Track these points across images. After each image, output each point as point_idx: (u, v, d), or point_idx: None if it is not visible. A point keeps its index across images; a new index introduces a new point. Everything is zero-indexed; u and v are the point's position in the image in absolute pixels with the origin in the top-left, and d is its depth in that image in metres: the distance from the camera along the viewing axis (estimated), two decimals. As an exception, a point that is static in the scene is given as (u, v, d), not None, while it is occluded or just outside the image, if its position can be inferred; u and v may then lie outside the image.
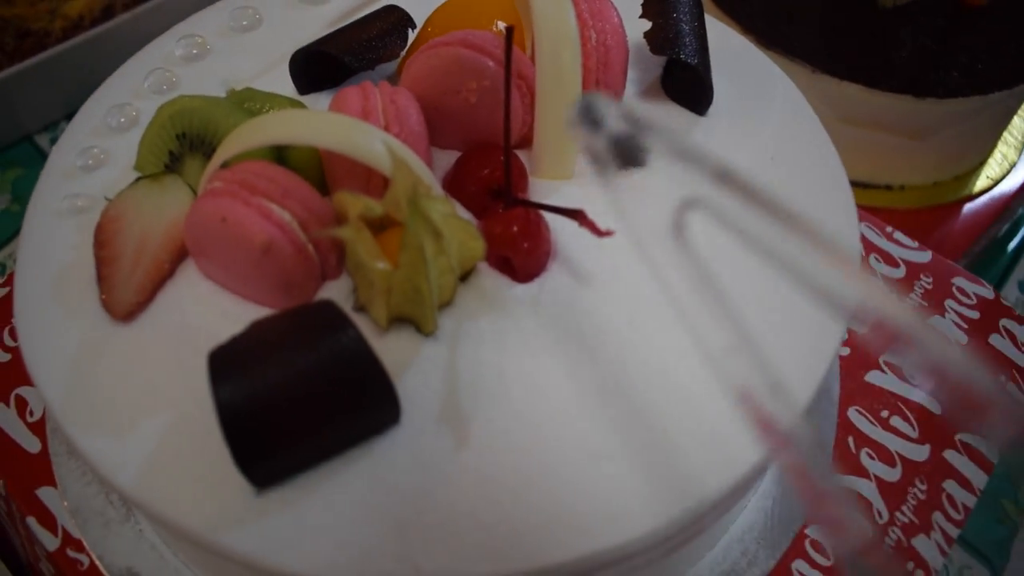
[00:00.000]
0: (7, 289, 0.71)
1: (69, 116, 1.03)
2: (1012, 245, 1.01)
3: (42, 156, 1.02)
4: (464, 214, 0.53)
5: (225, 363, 0.42)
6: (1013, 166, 1.00)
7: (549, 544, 0.42)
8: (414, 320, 0.48)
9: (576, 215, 0.49)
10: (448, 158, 0.56)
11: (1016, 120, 1.03)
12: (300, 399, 0.42)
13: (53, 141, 1.02)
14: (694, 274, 0.51)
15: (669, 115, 0.60)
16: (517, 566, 0.42)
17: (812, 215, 0.54)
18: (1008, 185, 0.99)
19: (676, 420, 0.46)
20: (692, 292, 0.50)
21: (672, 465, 0.45)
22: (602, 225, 0.49)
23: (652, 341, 0.49)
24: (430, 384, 0.47)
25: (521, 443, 0.45)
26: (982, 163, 1.00)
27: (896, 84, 0.86)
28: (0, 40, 0.98)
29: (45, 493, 0.61)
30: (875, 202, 0.93)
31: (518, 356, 0.48)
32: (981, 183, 0.98)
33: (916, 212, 0.94)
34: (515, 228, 0.50)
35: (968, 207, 0.96)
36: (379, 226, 0.48)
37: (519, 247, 0.50)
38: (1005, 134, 1.02)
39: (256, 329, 0.44)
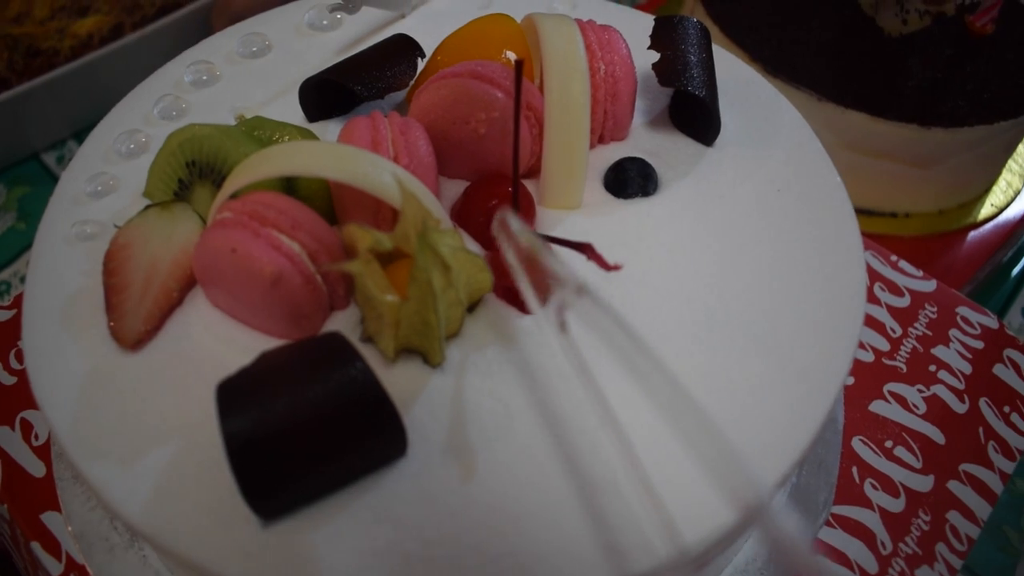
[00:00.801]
0: (13, 311, 0.71)
1: (76, 135, 1.05)
2: (1016, 271, 1.01)
3: (48, 174, 1.02)
4: (472, 244, 0.53)
5: (233, 395, 0.42)
6: (1018, 194, 1.01)
7: (556, 577, 0.42)
8: (422, 351, 0.48)
9: (584, 249, 0.49)
10: (456, 187, 0.57)
11: (1021, 148, 1.04)
12: (308, 432, 0.42)
13: (60, 159, 1.02)
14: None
15: (676, 146, 0.60)
16: (524, 600, 0.42)
17: (817, 245, 0.55)
18: (1012, 212, 0.99)
19: (676, 457, 0.46)
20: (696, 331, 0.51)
21: (677, 499, 0.45)
22: (609, 257, 0.49)
23: (652, 376, 0.49)
24: (437, 416, 0.47)
25: (527, 476, 0.45)
26: (987, 191, 1.00)
27: (902, 113, 0.86)
28: (9, 58, 0.99)
29: (49, 518, 0.61)
30: (880, 229, 0.93)
31: (524, 388, 0.48)
32: (986, 211, 0.98)
33: (921, 240, 0.95)
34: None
35: (973, 235, 0.97)
36: (388, 257, 0.48)
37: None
38: (1010, 162, 1.02)
39: (264, 361, 0.44)
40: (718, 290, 0.53)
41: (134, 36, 1.01)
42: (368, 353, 0.45)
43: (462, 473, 0.45)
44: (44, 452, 0.64)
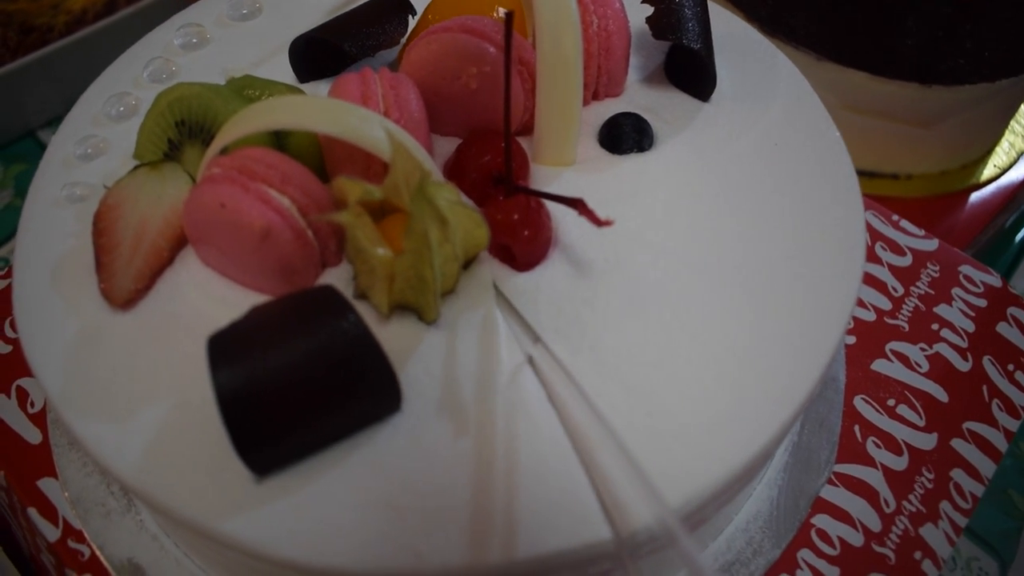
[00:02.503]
0: (8, 280, 0.71)
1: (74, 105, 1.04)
2: (1020, 236, 1.00)
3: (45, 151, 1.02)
4: (465, 201, 0.53)
5: (224, 348, 0.42)
6: (1021, 155, 1.00)
7: (550, 531, 0.42)
8: (416, 308, 0.48)
9: (576, 204, 0.48)
10: (449, 145, 0.56)
11: (1023, 108, 1.03)
12: (300, 385, 0.42)
13: (56, 136, 1.02)
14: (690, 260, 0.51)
15: (672, 101, 0.60)
16: (517, 553, 0.41)
17: (816, 202, 0.54)
18: (1016, 174, 0.98)
19: (675, 409, 0.46)
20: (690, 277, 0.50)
21: (672, 454, 0.45)
22: (603, 213, 0.48)
23: (650, 330, 0.48)
24: (431, 372, 0.47)
25: (521, 431, 0.45)
26: (989, 152, 0.99)
27: (902, 71, 0.85)
28: (3, 35, 0.98)
29: (46, 484, 0.60)
30: (882, 191, 0.93)
31: (518, 345, 0.48)
32: (988, 172, 0.97)
33: (923, 201, 0.94)
34: (516, 216, 0.50)
35: (975, 196, 0.96)
36: (379, 212, 0.47)
37: (520, 235, 0.50)
38: (1012, 122, 1.01)
39: (255, 314, 0.43)
40: (715, 245, 0.52)
41: (128, 11, 1.01)
42: (362, 310, 0.44)
43: (456, 428, 0.45)
44: (40, 419, 0.63)
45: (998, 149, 0.99)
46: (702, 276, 0.51)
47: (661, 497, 0.41)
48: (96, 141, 0.57)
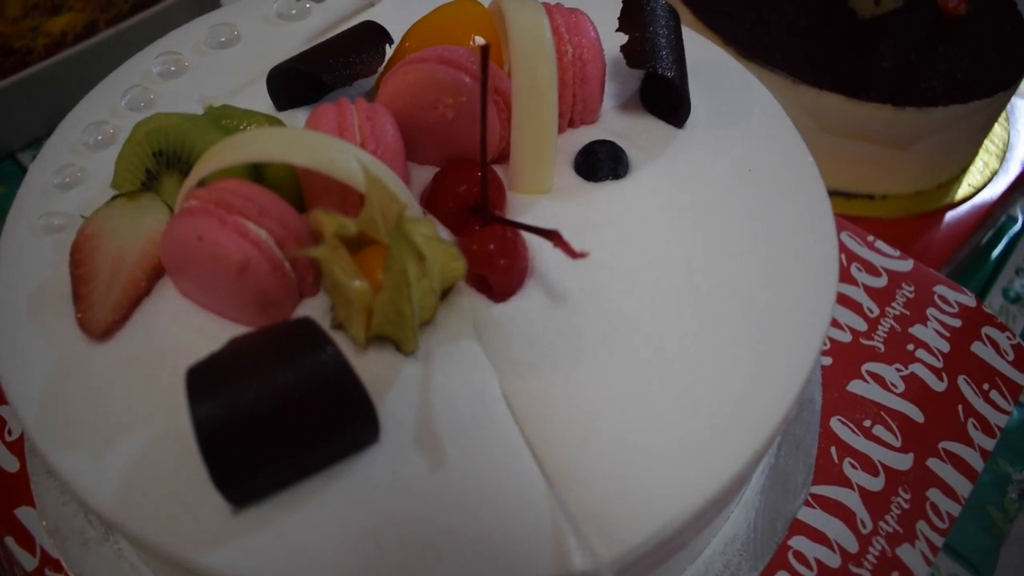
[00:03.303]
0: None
1: (52, 134, 1.03)
2: (995, 253, 1.01)
3: (25, 173, 1.01)
4: (442, 230, 0.53)
5: (203, 380, 0.42)
6: (995, 174, 1.01)
7: (529, 562, 0.42)
8: (394, 339, 0.48)
9: (551, 236, 0.48)
10: (426, 173, 0.56)
11: (997, 128, 1.04)
12: (278, 417, 0.42)
13: (36, 159, 1.01)
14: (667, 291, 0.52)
15: (647, 128, 0.60)
16: (496, 584, 0.42)
17: (790, 227, 0.55)
18: (990, 193, 0.99)
19: (649, 437, 0.46)
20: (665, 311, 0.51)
21: (647, 481, 0.45)
22: (579, 241, 0.48)
23: (623, 360, 0.49)
24: (409, 403, 0.47)
25: (499, 462, 0.45)
26: (964, 171, 1.00)
27: (877, 94, 0.86)
28: (-18, 58, 0.98)
29: (23, 513, 0.60)
30: (857, 211, 0.93)
31: (495, 376, 0.48)
32: (963, 191, 0.98)
33: (899, 221, 0.95)
34: (492, 246, 0.50)
35: (950, 215, 0.97)
36: (356, 243, 0.48)
37: (496, 265, 0.50)
38: (986, 142, 1.02)
39: (234, 346, 0.44)
40: (689, 272, 0.53)
41: (108, 33, 1.01)
42: (340, 341, 0.45)
43: (435, 460, 0.45)
44: (17, 448, 0.63)
45: (972, 168, 1.01)
46: (676, 304, 0.51)
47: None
48: (74, 170, 0.57)
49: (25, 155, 1.03)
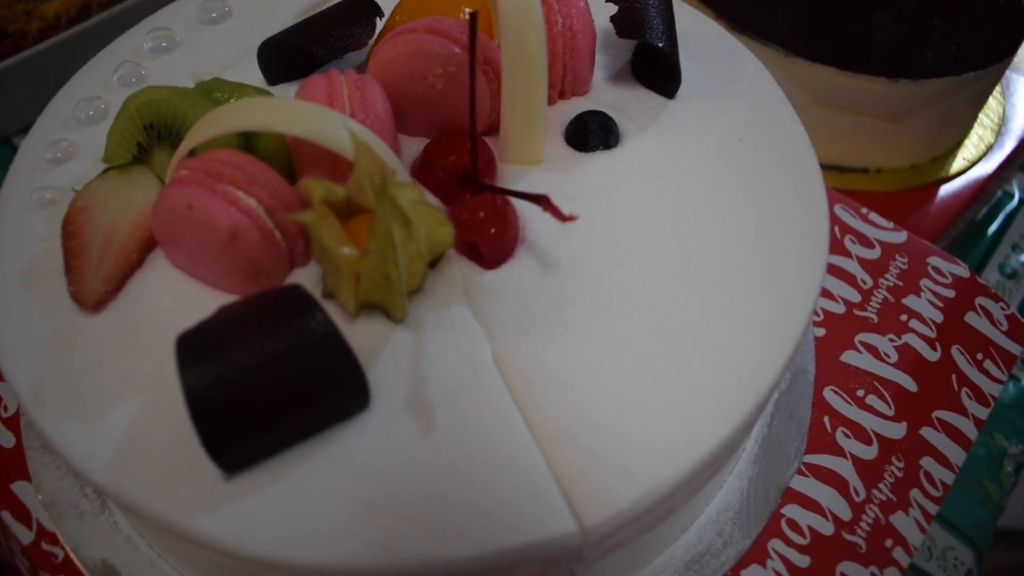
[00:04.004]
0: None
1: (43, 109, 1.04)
2: (992, 229, 1.01)
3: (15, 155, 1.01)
4: (433, 201, 0.53)
5: (192, 348, 0.42)
6: (990, 148, 1.00)
7: (519, 525, 0.43)
8: (383, 307, 0.48)
9: (540, 200, 0.48)
10: (416, 145, 0.56)
11: (992, 102, 1.04)
12: (269, 383, 0.42)
13: (32, 142, 1.01)
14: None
15: (638, 99, 0.60)
16: (486, 547, 0.42)
17: (781, 196, 0.55)
18: (985, 167, 0.99)
19: (640, 402, 0.46)
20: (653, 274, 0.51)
21: (638, 446, 0.45)
22: (569, 210, 0.49)
23: (614, 326, 0.49)
24: (399, 370, 0.47)
25: (489, 427, 0.46)
26: (959, 145, 1.00)
27: (870, 66, 0.86)
28: (-24, 42, 0.98)
29: (19, 487, 0.61)
30: (852, 185, 0.93)
31: (486, 342, 0.48)
32: (958, 165, 0.98)
33: (893, 195, 0.94)
34: (481, 214, 0.50)
35: (945, 189, 0.96)
36: (346, 212, 0.48)
37: (486, 233, 0.50)
38: (981, 116, 1.02)
39: (223, 314, 0.44)
40: (680, 241, 0.53)
41: (102, 16, 1.01)
42: (330, 309, 0.45)
43: (425, 425, 0.45)
44: (13, 423, 0.64)
45: (967, 142, 1.00)
46: (667, 271, 0.51)
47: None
48: (66, 145, 0.57)
49: (20, 139, 1.03)
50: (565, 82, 0.59)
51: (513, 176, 0.55)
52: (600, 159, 0.57)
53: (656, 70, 0.60)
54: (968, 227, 1.01)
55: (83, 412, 0.46)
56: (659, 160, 0.57)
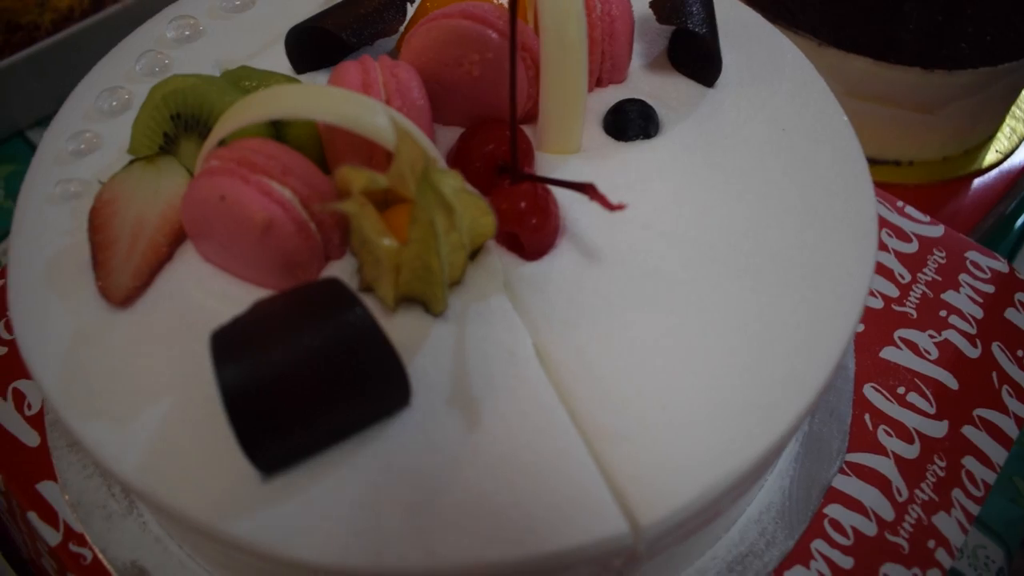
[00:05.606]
0: (2, 282, 0.69)
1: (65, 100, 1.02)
2: (1021, 221, 1.00)
3: (34, 151, 1.00)
4: (470, 189, 0.51)
5: (228, 344, 0.41)
6: (1023, 140, 0.99)
7: (563, 527, 0.41)
8: (423, 299, 0.47)
9: (586, 189, 0.47)
10: (451, 134, 0.55)
11: (1024, 94, 1.02)
12: (307, 380, 0.40)
13: (46, 136, 1.00)
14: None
15: (677, 87, 0.59)
16: (532, 549, 0.40)
17: (827, 188, 0.53)
18: (1018, 159, 0.98)
19: (689, 401, 0.45)
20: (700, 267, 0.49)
21: (687, 446, 0.44)
22: (612, 200, 0.47)
23: (662, 320, 0.47)
24: (440, 365, 0.46)
25: (533, 424, 0.44)
26: (991, 137, 0.99)
27: (904, 57, 0.84)
28: (-10, 34, 0.96)
29: (45, 487, 0.59)
30: (884, 178, 0.92)
31: (528, 335, 0.47)
32: (991, 157, 0.97)
33: (925, 187, 0.93)
34: (523, 204, 0.49)
35: (977, 182, 0.95)
36: (383, 203, 0.46)
37: (527, 223, 0.49)
38: (1014, 107, 1.00)
39: (259, 309, 0.42)
40: (725, 233, 0.51)
41: (115, 8, 0.99)
42: (368, 303, 0.43)
43: (468, 422, 0.44)
44: (37, 422, 0.62)
45: (1000, 134, 0.99)
46: (713, 265, 0.50)
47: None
48: (89, 136, 0.56)
49: (34, 132, 1.02)
50: (603, 69, 0.57)
51: (551, 165, 0.54)
52: (640, 148, 0.55)
53: (695, 58, 0.59)
54: (997, 221, 0.99)
55: (113, 411, 0.45)
56: (701, 150, 0.55)
